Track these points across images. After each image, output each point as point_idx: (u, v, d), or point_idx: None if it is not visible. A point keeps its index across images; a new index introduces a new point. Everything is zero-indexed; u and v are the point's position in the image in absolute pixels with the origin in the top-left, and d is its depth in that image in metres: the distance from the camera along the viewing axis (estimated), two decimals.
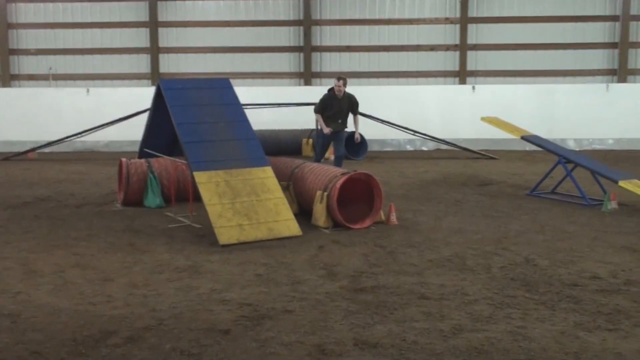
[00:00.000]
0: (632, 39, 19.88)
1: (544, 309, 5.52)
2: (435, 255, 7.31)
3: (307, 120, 17.48)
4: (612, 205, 9.86)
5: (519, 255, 7.28)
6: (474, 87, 19.33)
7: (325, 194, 8.55)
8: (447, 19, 20.30)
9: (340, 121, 11.37)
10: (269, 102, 17.08)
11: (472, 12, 20.18)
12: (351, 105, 11.38)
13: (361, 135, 11.96)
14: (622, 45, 19.82)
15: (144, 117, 11.61)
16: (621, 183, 10.07)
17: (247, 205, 8.20)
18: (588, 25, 20.00)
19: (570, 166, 10.81)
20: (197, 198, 8.61)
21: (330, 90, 11.36)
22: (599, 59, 20.16)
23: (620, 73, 19.94)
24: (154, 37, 20.48)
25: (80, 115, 18.48)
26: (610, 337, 4.90)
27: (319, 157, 11.62)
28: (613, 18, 19.94)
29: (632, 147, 18.78)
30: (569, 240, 7.98)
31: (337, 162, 11.37)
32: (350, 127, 11.65)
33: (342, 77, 11.40)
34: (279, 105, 17.20)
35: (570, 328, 5.07)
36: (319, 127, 11.46)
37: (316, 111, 11.46)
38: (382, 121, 16.98)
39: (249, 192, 8.34)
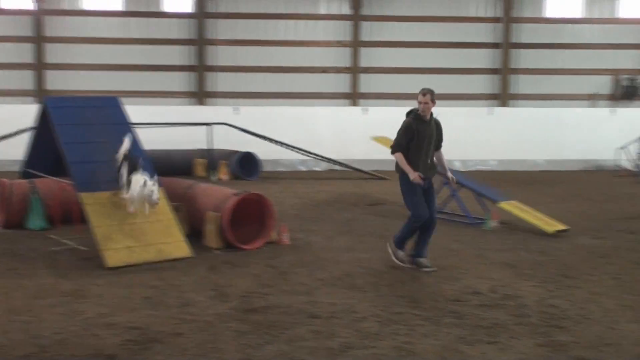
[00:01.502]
0: (512, 66, 21.03)
1: (429, 324, 5.71)
2: (326, 274, 7.41)
3: (199, 140, 17.34)
4: (494, 223, 10.34)
5: (406, 273, 7.49)
6: (365, 109, 19.79)
7: (217, 214, 8.50)
8: (339, 42, 20.75)
9: (430, 161, 7.64)
10: (160, 122, 16.82)
11: (364, 36, 20.75)
12: (439, 133, 7.86)
13: (255, 156, 11.08)
14: (503, 71, 20.92)
15: (27, 135, 11.17)
16: (501, 204, 10.59)
17: (136, 226, 8.02)
18: (472, 51, 21.02)
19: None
20: (84, 220, 8.35)
21: (410, 113, 7.69)
22: (482, 84, 21.19)
23: (502, 97, 21.02)
24: (39, 53, 19.76)
25: None
26: (490, 349, 5.13)
27: (421, 217, 7.39)
28: (495, 45, 21.04)
29: (513, 168, 19.78)
30: (453, 257, 8.29)
31: (427, 234, 7.61)
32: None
33: (428, 89, 7.56)
34: (171, 125, 16.98)
35: (453, 342, 5.28)
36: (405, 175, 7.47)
37: (396, 149, 7.52)
38: (276, 142, 17.08)
39: (138, 213, 8.16)
